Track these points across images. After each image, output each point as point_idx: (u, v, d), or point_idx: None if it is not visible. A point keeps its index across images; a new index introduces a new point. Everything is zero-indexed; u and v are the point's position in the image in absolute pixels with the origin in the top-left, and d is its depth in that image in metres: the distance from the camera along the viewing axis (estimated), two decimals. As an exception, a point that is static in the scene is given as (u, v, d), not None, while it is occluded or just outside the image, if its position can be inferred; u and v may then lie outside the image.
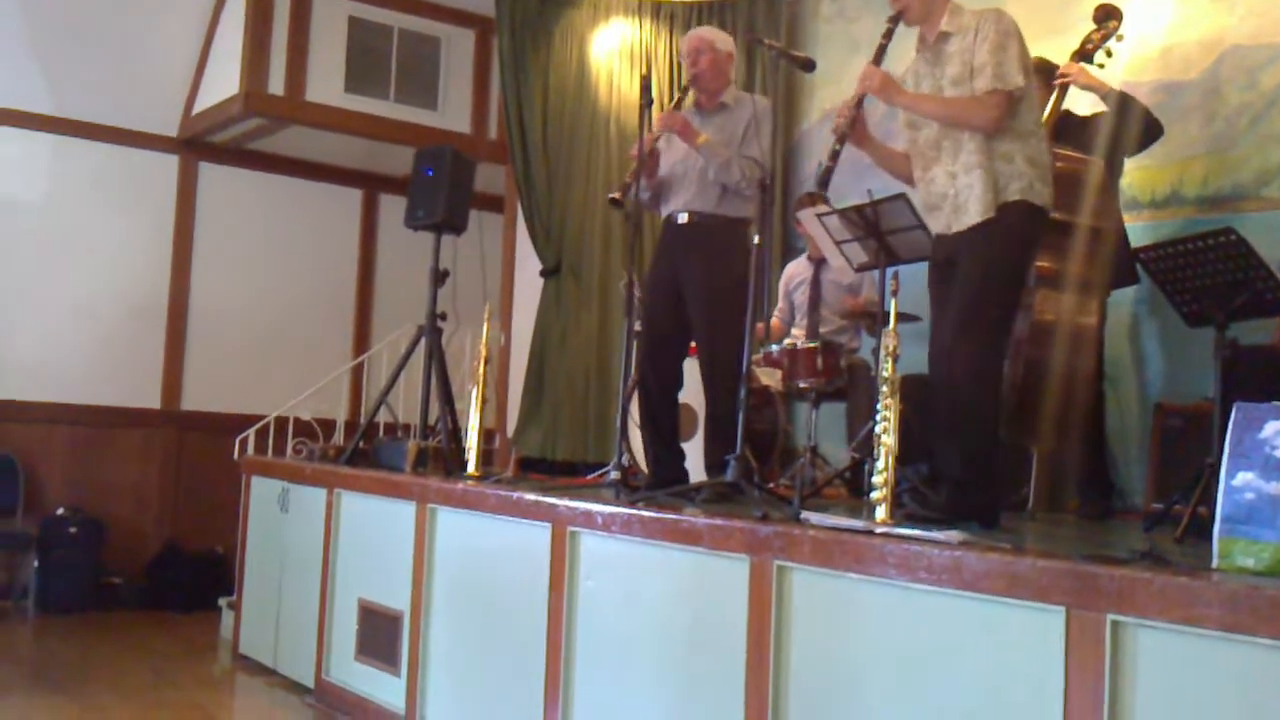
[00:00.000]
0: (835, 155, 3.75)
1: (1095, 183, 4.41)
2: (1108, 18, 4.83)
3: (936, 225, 3.80)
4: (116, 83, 7.72)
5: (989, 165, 3.58)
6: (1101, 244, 4.37)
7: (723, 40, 4.57)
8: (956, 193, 3.65)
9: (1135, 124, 4.66)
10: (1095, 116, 4.77)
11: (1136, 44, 5.19)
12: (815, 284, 5.77)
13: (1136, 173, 5.12)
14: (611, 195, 4.56)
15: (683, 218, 4.51)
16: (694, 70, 4.54)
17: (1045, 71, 4.68)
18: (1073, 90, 4.81)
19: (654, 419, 4.52)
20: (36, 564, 7.02)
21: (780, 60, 4.26)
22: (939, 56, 3.73)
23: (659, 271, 4.62)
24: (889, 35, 3.76)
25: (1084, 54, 4.78)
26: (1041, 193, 3.61)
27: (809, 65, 4.31)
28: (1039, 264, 4.34)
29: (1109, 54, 4.81)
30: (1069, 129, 4.73)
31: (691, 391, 4.70)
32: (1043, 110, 4.54)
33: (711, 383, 4.38)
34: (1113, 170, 4.64)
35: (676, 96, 4.82)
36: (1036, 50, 4.34)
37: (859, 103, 3.76)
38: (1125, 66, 5.12)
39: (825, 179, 3.76)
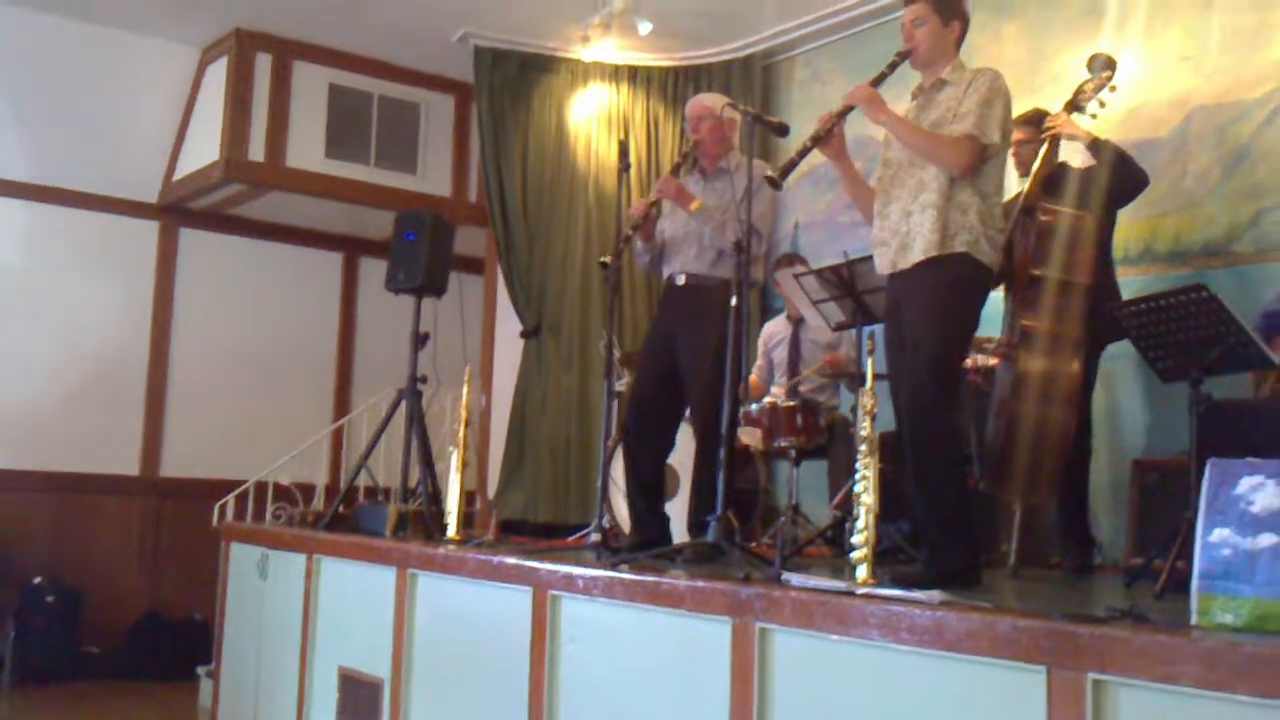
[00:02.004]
0: (803, 152, 3.81)
1: (1080, 238, 4.36)
2: (1102, 67, 4.66)
3: (881, 261, 3.80)
4: (97, 149, 7.76)
5: (943, 208, 3.60)
6: (1087, 300, 4.33)
7: (725, 107, 4.61)
8: (909, 230, 3.67)
9: (1121, 174, 4.55)
10: (1087, 169, 4.71)
11: (1107, 103, 5.25)
12: (794, 343, 5.80)
13: (1109, 229, 5.16)
14: (603, 260, 4.60)
15: (680, 280, 4.57)
16: (695, 136, 4.60)
17: (1036, 122, 4.67)
18: (1071, 144, 4.71)
19: (638, 479, 4.52)
20: (13, 634, 6.92)
21: (755, 125, 4.30)
22: (929, 101, 3.77)
23: (655, 332, 4.69)
24: (892, 68, 3.80)
25: (1075, 105, 4.62)
26: (986, 252, 3.62)
27: (783, 130, 4.35)
28: (1023, 321, 4.33)
29: (1102, 104, 4.63)
30: (1061, 181, 4.64)
31: (674, 452, 4.70)
32: (1033, 161, 4.52)
33: (703, 443, 4.38)
34: (1103, 223, 4.59)
35: (676, 161, 4.88)
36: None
37: (842, 114, 3.80)
38: (1097, 125, 5.17)
39: (786, 171, 3.81)
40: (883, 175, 3.84)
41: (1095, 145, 4.61)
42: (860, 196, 3.98)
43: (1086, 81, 4.68)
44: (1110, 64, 4.67)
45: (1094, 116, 4.66)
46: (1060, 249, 4.31)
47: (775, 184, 3.86)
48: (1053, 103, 4.83)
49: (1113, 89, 4.66)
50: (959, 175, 3.60)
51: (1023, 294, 4.33)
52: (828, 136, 3.80)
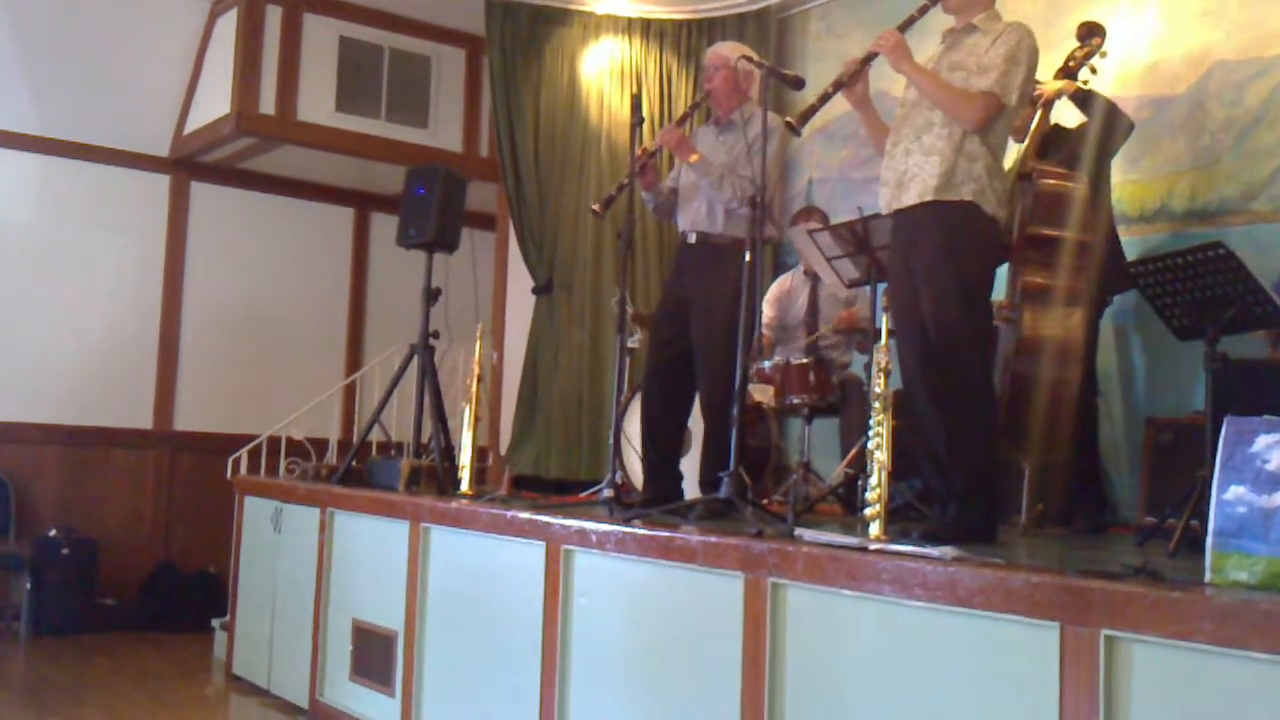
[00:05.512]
0: (824, 98, 3.77)
1: (1076, 196, 4.45)
2: (1090, 34, 4.83)
3: (881, 201, 3.80)
4: (107, 103, 7.72)
5: (949, 156, 3.57)
6: (1089, 257, 4.40)
7: (741, 59, 4.57)
8: (906, 169, 3.66)
9: (1107, 121, 4.66)
10: (1080, 127, 4.77)
11: (1124, 59, 5.22)
12: (812, 299, 5.78)
13: (1125, 187, 5.14)
14: (593, 207, 4.60)
15: (692, 238, 4.56)
16: (708, 86, 4.58)
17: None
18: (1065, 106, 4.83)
19: (654, 437, 4.53)
20: (29, 586, 6.98)
21: (769, 78, 4.27)
22: (956, 43, 3.75)
23: (670, 290, 4.69)
24: (922, 11, 3.78)
25: (1068, 71, 4.79)
26: (992, 203, 3.60)
27: (798, 83, 4.32)
28: (1026, 279, 4.37)
29: (1093, 70, 4.82)
30: (1056, 142, 4.73)
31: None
32: (1027, 128, 4.61)
33: (712, 402, 4.38)
34: (1100, 176, 4.64)
35: (686, 110, 4.88)
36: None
37: (867, 60, 3.77)
38: (1112, 81, 5.14)
39: (805, 117, 3.77)
40: (897, 116, 3.82)
41: (1084, 98, 4.73)
42: (882, 141, 3.95)
43: (1077, 48, 4.84)
44: (1099, 31, 4.83)
45: (1085, 83, 4.79)
46: (1058, 208, 4.43)
47: (794, 129, 3.81)
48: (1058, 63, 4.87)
49: (1103, 55, 4.83)
50: (973, 130, 3.58)
51: (1023, 254, 4.41)
52: (851, 82, 3.78)
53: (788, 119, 3.84)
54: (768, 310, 5.96)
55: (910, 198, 3.63)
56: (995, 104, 3.57)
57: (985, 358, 3.69)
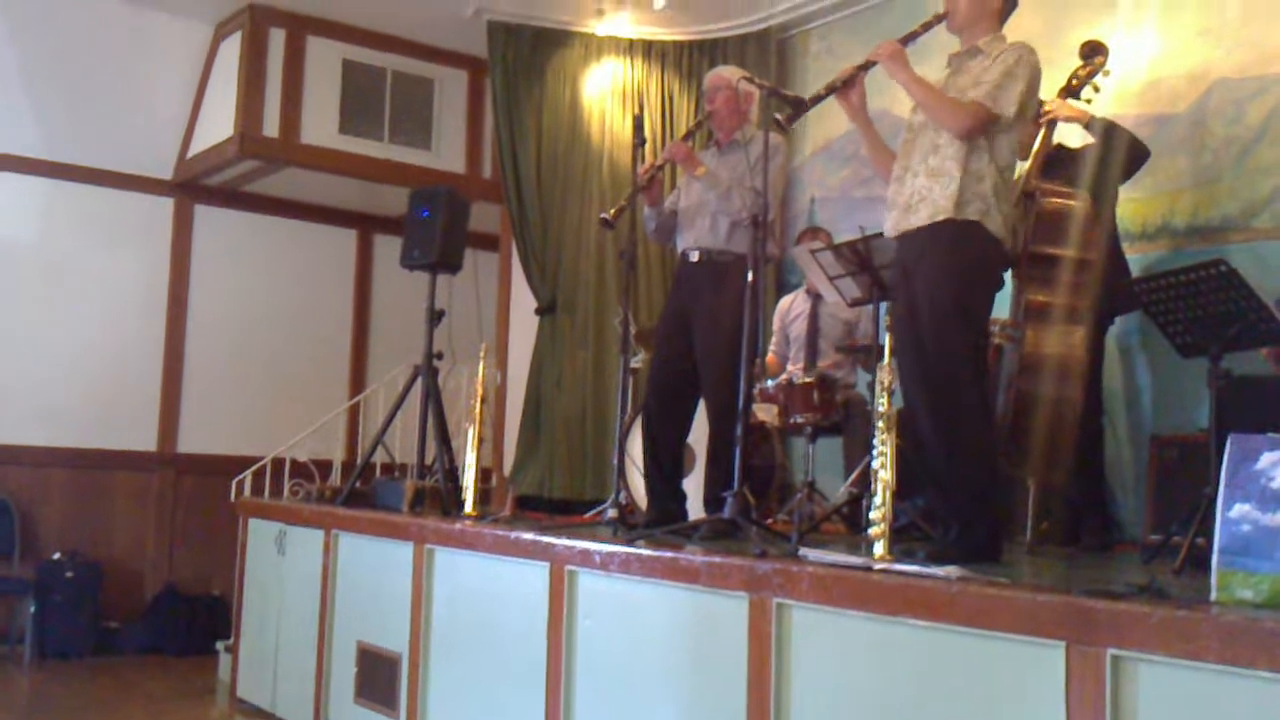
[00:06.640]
0: (816, 99, 3.80)
1: (1079, 215, 4.45)
2: (1094, 53, 4.85)
3: (888, 224, 3.78)
4: (112, 126, 7.75)
5: (958, 176, 3.55)
6: (1092, 275, 4.40)
7: (741, 80, 4.60)
8: (915, 191, 3.64)
9: (1121, 150, 4.67)
10: (1084, 148, 4.80)
11: (1125, 77, 5.23)
12: (813, 317, 5.79)
13: (1127, 204, 5.14)
14: (603, 215, 4.60)
15: (694, 255, 4.56)
16: (710, 108, 4.60)
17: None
18: (1068, 126, 4.85)
19: (656, 456, 4.52)
20: (33, 609, 6.98)
21: (770, 98, 4.28)
22: (960, 67, 3.74)
23: (671, 308, 4.69)
24: (926, 27, 3.78)
25: (1070, 90, 4.80)
26: (998, 223, 3.58)
27: (799, 104, 4.33)
28: (1029, 297, 4.38)
29: (1096, 89, 4.83)
30: (1060, 162, 4.76)
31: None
32: (1031, 146, 4.63)
33: (717, 420, 4.38)
34: (1104, 199, 4.65)
35: (689, 128, 4.91)
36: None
37: (863, 67, 3.78)
38: (1113, 99, 5.16)
39: (794, 115, 3.78)
40: (904, 140, 3.81)
41: (1106, 126, 4.74)
42: (881, 160, 3.94)
43: (1080, 67, 4.86)
44: (1103, 50, 4.85)
45: (1089, 101, 4.82)
46: (1061, 227, 4.45)
47: (782, 127, 3.82)
48: (1060, 81, 4.87)
49: (1106, 74, 4.86)
50: (960, 139, 3.55)
51: (1027, 272, 4.42)
52: (845, 87, 3.78)
53: (776, 115, 3.83)
54: (774, 330, 5.97)
55: (920, 219, 3.60)
56: (984, 113, 3.55)
57: (980, 364, 3.68)
